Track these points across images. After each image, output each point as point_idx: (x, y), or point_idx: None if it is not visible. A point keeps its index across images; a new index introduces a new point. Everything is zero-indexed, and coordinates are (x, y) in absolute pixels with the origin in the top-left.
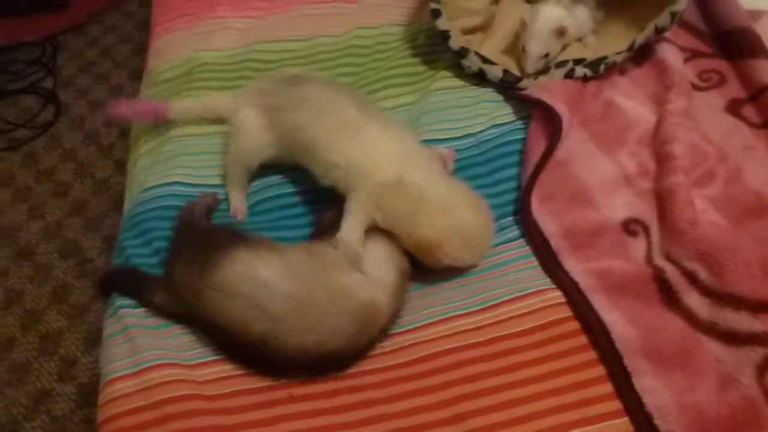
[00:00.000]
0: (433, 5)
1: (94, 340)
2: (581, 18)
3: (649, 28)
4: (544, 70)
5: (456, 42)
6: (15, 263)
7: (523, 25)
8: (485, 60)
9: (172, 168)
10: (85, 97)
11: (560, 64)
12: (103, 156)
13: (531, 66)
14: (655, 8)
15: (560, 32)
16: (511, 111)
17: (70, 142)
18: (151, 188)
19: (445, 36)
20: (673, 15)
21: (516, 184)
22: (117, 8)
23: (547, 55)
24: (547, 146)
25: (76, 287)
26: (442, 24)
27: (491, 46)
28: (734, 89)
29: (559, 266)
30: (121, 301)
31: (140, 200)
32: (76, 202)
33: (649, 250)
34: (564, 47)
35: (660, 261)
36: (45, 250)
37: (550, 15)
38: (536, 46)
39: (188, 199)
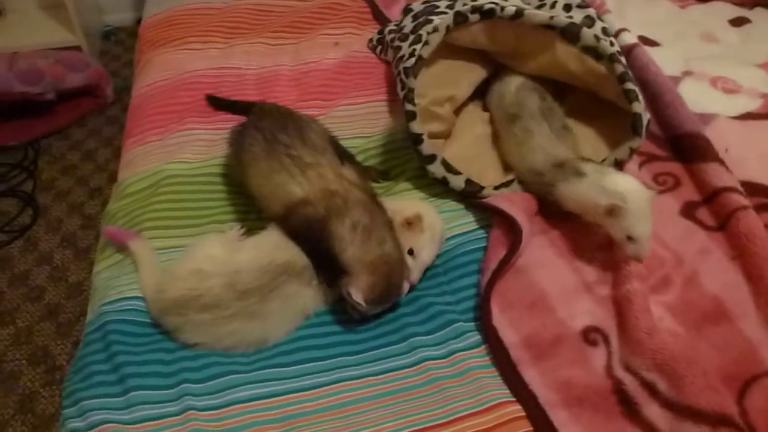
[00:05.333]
0: (409, 107)
1: None
2: None
3: (609, 159)
4: (506, 183)
5: (427, 147)
6: None
7: (615, 211)
8: (449, 169)
9: (134, 282)
10: (64, 200)
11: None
12: (79, 259)
13: (645, 252)
14: (614, 135)
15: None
16: (472, 220)
17: (47, 245)
18: (113, 302)
19: (417, 139)
20: (632, 150)
21: (476, 291)
22: (100, 113)
23: None
24: (506, 254)
25: (44, 396)
26: (415, 127)
27: (453, 153)
28: (689, 192)
29: (519, 378)
30: (73, 423)
31: (102, 312)
32: (49, 306)
33: (609, 359)
34: None
35: (620, 372)
36: (13, 357)
37: (639, 189)
38: (647, 228)
39: (148, 314)
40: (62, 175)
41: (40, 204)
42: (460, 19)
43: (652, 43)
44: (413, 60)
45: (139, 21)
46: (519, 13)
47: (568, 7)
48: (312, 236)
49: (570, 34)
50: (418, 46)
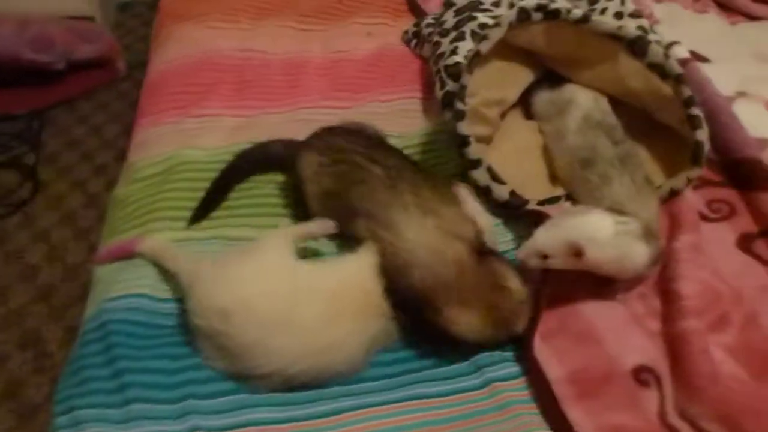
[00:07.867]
0: (459, 105)
1: None
2: None
3: (665, 188)
4: (552, 200)
5: (473, 151)
6: None
7: None
8: (494, 177)
9: (142, 277)
10: (67, 176)
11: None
12: (78, 239)
13: None
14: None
15: None
16: (511, 238)
17: (45, 222)
18: (116, 298)
19: (464, 142)
20: (689, 180)
21: None
22: (110, 87)
23: None
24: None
25: (31, 384)
26: (463, 128)
27: (493, 161)
28: (745, 223)
29: (565, 419)
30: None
31: (103, 308)
32: (42, 287)
33: (662, 404)
34: None
35: (675, 419)
36: (2, 339)
37: None
38: None
39: (154, 316)
40: (66, 149)
41: (42, 179)
42: (523, 16)
43: (703, 59)
44: (458, 57)
45: None
46: (585, 18)
47: (619, 15)
48: None
49: (637, 47)
50: (461, 43)
